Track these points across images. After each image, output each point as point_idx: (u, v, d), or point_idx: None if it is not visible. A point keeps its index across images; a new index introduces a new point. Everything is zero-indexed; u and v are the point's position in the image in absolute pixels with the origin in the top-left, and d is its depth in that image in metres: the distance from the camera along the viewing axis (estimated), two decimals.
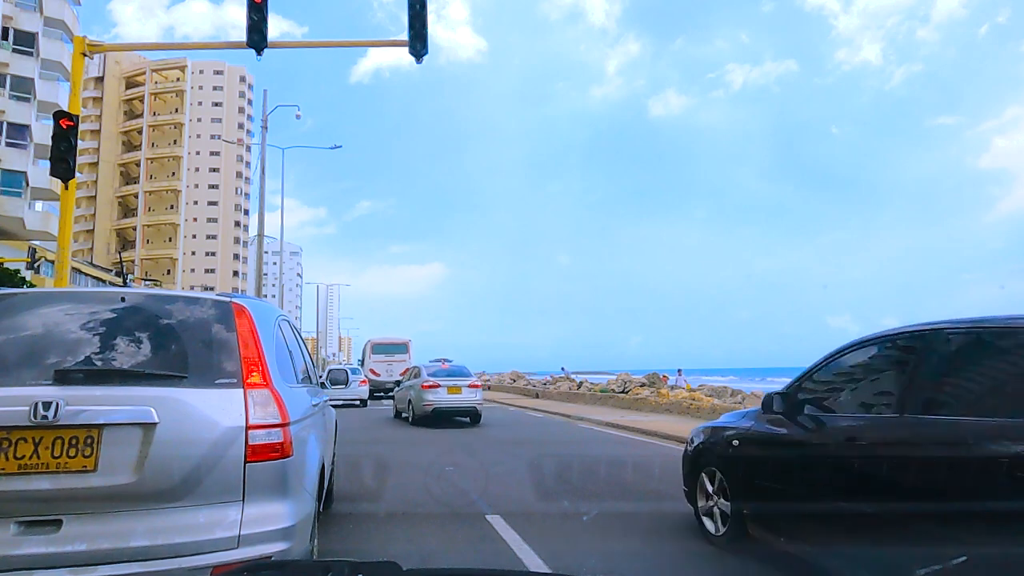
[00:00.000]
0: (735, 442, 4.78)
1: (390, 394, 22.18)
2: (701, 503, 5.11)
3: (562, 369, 38.08)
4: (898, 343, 3.84)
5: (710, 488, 5.01)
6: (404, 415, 16.26)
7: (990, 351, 3.30)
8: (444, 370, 16.02)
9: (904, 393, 3.51)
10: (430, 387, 14.81)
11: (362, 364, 28.13)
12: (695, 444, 5.38)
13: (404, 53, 10.59)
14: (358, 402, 21.74)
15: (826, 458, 3.88)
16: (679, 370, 31.98)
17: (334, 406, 5.89)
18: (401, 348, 27.89)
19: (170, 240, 78.52)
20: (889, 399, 3.72)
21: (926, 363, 3.47)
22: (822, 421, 4.04)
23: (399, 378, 21.45)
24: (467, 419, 15.30)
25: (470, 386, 15.16)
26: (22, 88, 33.13)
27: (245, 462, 2.66)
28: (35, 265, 30.99)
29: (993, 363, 3.31)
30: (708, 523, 4.96)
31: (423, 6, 10.59)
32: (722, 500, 4.81)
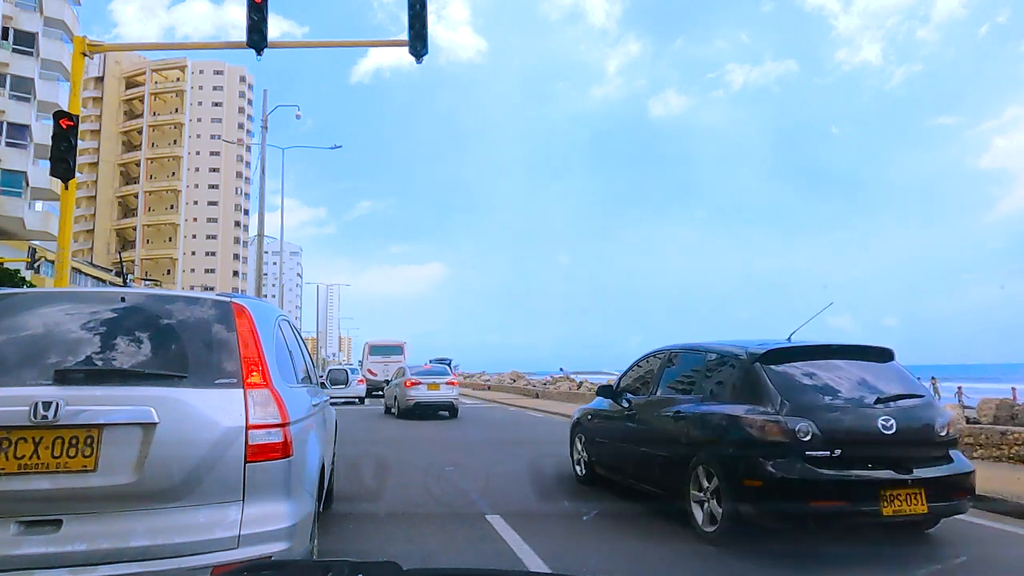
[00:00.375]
0: (589, 416, 7.47)
1: None
2: (574, 457, 7.64)
3: (560, 370, 38.09)
4: (656, 354, 6.55)
5: (578, 446, 7.52)
6: (392, 410, 17.78)
7: (673, 361, 6.25)
8: (425, 370, 17.92)
9: (655, 381, 6.25)
10: (412, 384, 16.59)
11: (361, 364, 29.63)
12: (573, 419, 7.93)
13: (404, 53, 10.61)
14: (356, 400, 23.58)
15: (627, 421, 6.42)
16: None
17: (333, 402, 6.00)
18: (396, 350, 29.41)
19: (170, 240, 78.53)
20: (651, 385, 6.32)
21: (665, 365, 6.28)
22: (628, 399, 6.56)
23: None
24: (446, 413, 16.97)
25: (447, 383, 16.88)
26: (22, 88, 33.13)
27: (245, 462, 2.66)
28: (35, 265, 31.00)
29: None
30: (577, 470, 7.53)
31: (423, 6, 10.59)
32: (584, 453, 7.35)
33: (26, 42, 33.28)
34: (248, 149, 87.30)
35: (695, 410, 5.37)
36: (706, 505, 4.89)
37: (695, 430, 5.26)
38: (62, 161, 9.88)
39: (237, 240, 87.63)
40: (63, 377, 2.60)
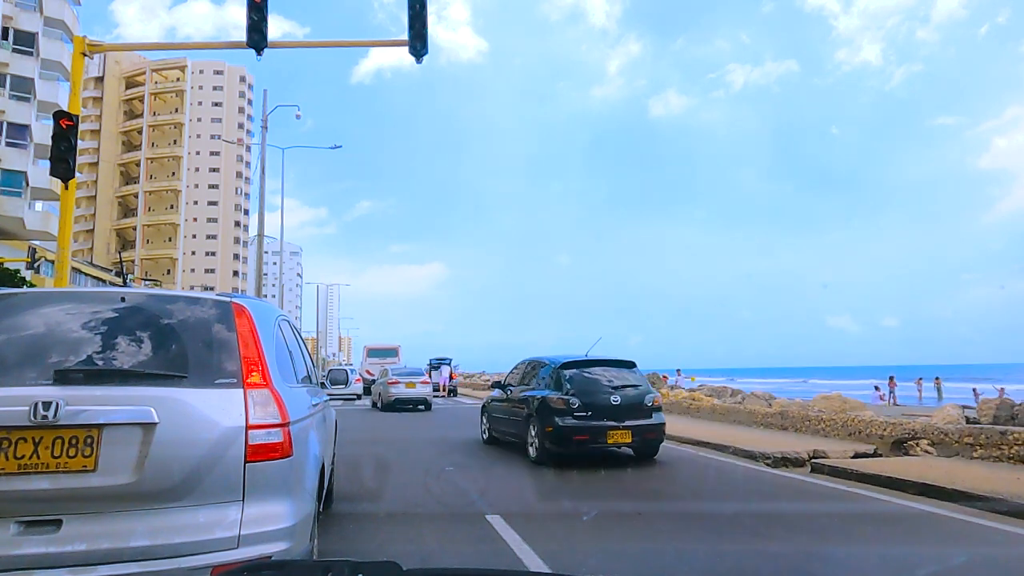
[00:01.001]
0: (489, 400, 11.35)
1: None
2: (481, 427, 11.47)
3: None
4: (521, 362, 10.63)
5: (483, 420, 11.38)
6: (377, 404, 20.94)
7: (527, 366, 10.42)
8: (404, 371, 21.20)
9: (518, 378, 10.41)
10: (393, 383, 19.70)
11: (361, 365, 32.87)
12: (482, 403, 11.76)
13: (405, 54, 10.61)
14: (354, 396, 26.71)
15: (505, 402, 10.37)
16: (678, 370, 31.98)
17: (332, 398, 6.20)
18: (392, 352, 32.56)
19: (170, 240, 78.49)
20: (517, 380, 10.43)
21: (524, 369, 10.43)
22: (509, 389, 10.34)
23: None
24: (422, 407, 19.90)
25: (422, 382, 20.02)
26: (22, 88, 33.10)
27: (245, 462, 2.66)
28: (35, 265, 31.00)
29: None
30: (483, 436, 11.27)
31: (423, 6, 10.59)
32: (486, 424, 11.21)
33: (26, 42, 33.26)
34: (248, 149, 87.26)
35: (531, 394, 9.38)
36: (533, 445, 8.98)
37: (531, 404, 9.21)
38: (62, 161, 9.87)
39: (237, 240, 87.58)
40: (63, 377, 2.60)
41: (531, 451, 8.98)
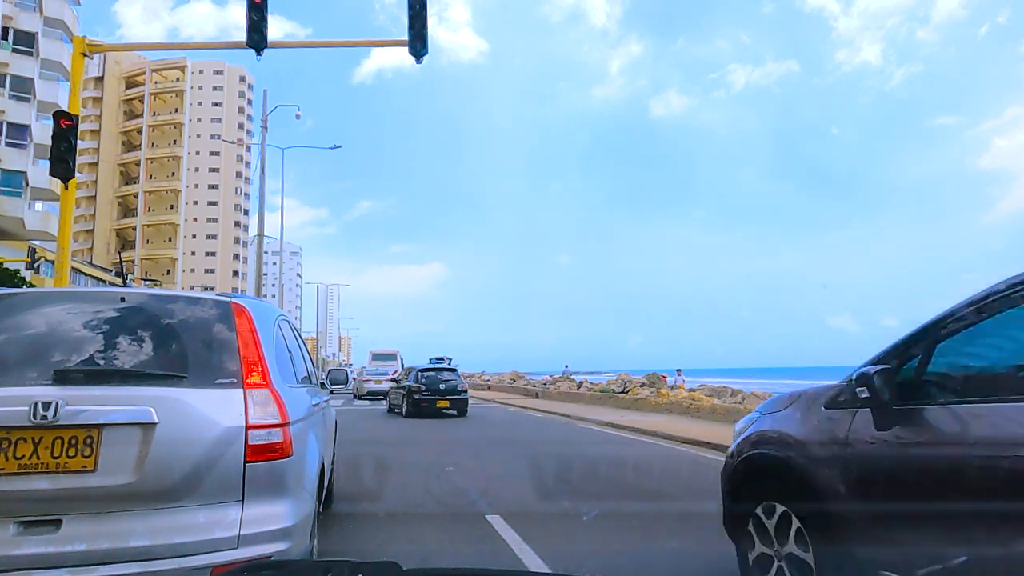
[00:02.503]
0: (390, 389, 21.87)
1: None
2: (386, 403, 21.66)
3: (566, 367, 38.41)
4: (407, 368, 21.20)
5: (387, 400, 21.83)
6: (358, 395, 28.25)
7: (407, 372, 20.25)
8: (374, 370, 30.60)
9: (406, 376, 19.99)
10: (366, 380, 28.27)
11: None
12: (386, 390, 23.24)
13: (406, 54, 10.61)
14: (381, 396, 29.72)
15: (396, 389, 20.30)
16: (678, 370, 31.98)
17: (333, 393, 6.28)
18: (391, 357, 37.34)
19: (170, 240, 78.49)
20: (405, 377, 20.02)
21: (410, 371, 19.77)
22: (398, 382, 20.77)
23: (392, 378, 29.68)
24: (381, 397, 25.38)
25: (386, 380, 26.07)
26: (22, 88, 33.11)
27: (245, 462, 2.65)
28: (35, 265, 30.99)
29: None
30: (386, 408, 20.88)
31: (423, 6, 10.59)
32: (388, 401, 21.13)
33: (26, 42, 33.26)
34: (248, 149, 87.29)
35: (406, 384, 18.44)
36: (404, 408, 18.03)
37: (405, 389, 18.26)
38: (62, 161, 9.87)
39: (237, 240, 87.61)
40: (63, 377, 2.60)
41: (403, 411, 18.17)
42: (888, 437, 2.63)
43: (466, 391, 18.66)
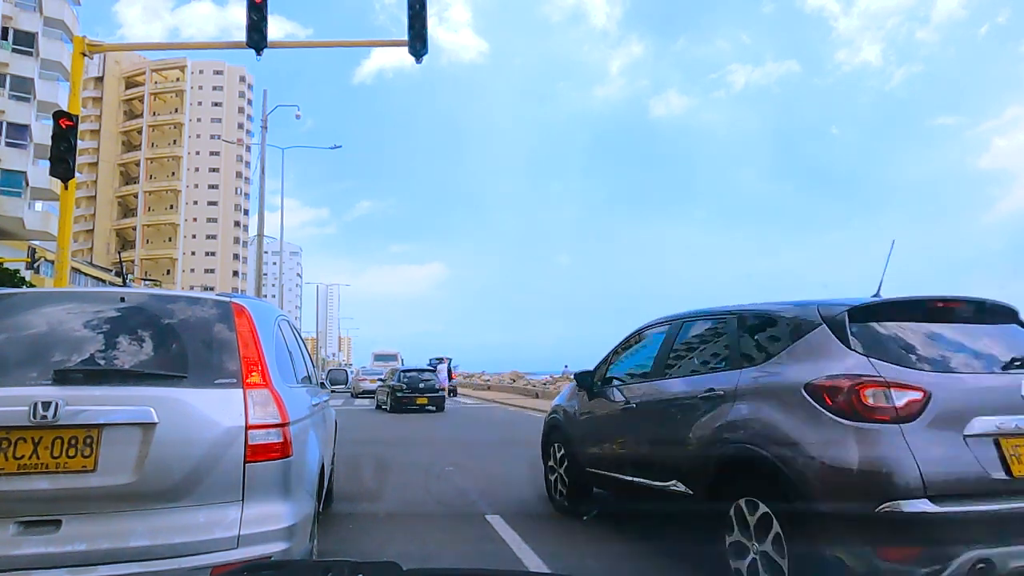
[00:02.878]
0: (378, 388, 23.98)
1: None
2: (375, 401, 23.67)
3: (565, 367, 38.52)
4: (391, 370, 25.01)
5: (375, 398, 23.93)
6: (354, 393, 29.55)
7: (392, 372, 23.40)
8: (373, 371, 32.65)
9: (386, 377, 23.70)
10: (362, 380, 29.77)
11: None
12: (375, 388, 25.06)
13: (406, 55, 10.62)
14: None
15: (382, 388, 22.78)
16: None
17: (335, 392, 6.62)
18: (392, 357, 39.60)
19: (170, 240, 78.51)
20: (386, 379, 23.15)
21: (391, 373, 23.04)
22: (384, 381, 23.53)
23: None
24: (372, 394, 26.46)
25: (376, 379, 26.89)
26: (22, 88, 33.11)
27: (245, 462, 2.65)
28: (35, 265, 31.00)
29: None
30: (375, 406, 22.72)
31: (422, 6, 10.60)
32: (376, 399, 23.48)
33: (26, 42, 33.26)
34: (248, 149, 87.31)
35: (391, 383, 21.02)
36: (388, 405, 20.75)
37: (390, 387, 20.94)
38: (62, 161, 9.87)
39: (237, 240, 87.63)
40: (62, 377, 2.60)
41: (387, 407, 20.62)
42: (594, 404, 5.65)
43: (443, 390, 21.69)
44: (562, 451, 5.98)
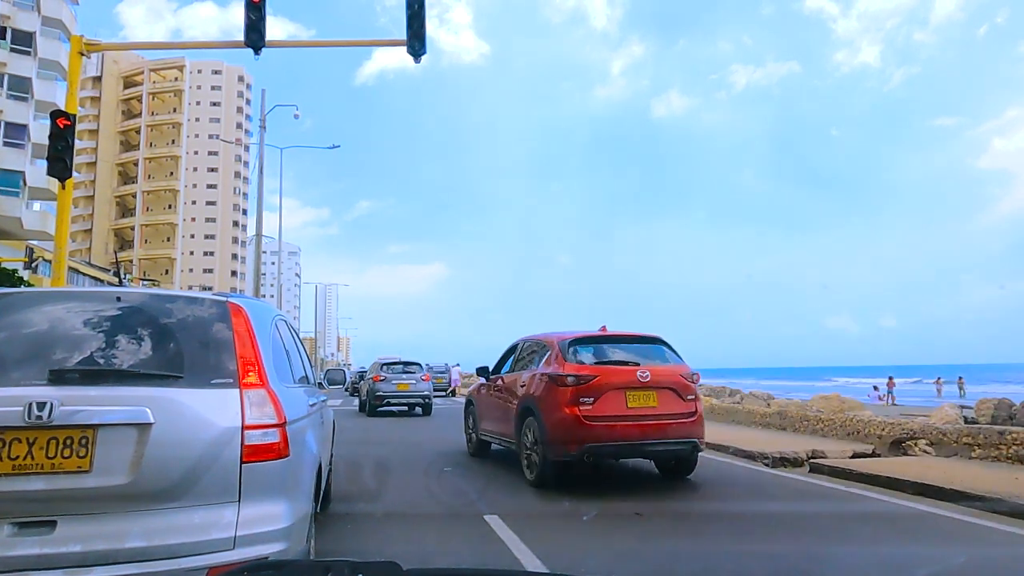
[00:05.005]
0: (361, 387, 22.30)
1: None
2: (358, 401, 22.47)
3: None
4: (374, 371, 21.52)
5: (356, 398, 24.04)
6: (347, 390, 29.29)
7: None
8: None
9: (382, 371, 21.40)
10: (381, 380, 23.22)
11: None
12: (359, 388, 23.19)
13: (408, 56, 10.59)
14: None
15: (364, 390, 20.89)
16: None
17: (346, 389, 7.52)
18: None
19: (168, 240, 78.36)
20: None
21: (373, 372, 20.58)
22: (369, 384, 19.65)
23: None
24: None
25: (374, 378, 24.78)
26: (20, 88, 33.03)
27: (241, 462, 2.64)
28: (33, 265, 30.89)
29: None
30: (357, 406, 21.50)
31: (421, 6, 10.57)
32: (358, 399, 22.40)
33: (24, 41, 33.18)
34: (246, 149, 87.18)
35: (368, 387, 19.40)
36: (368, 406, 18.93)
37: (367, 388, 19.56)
38: (59, 160, 9.84)
39: (235, 240, 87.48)
40: (58, 377, 2.58)
41: (367, 410, 19.03)
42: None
43: (428, 391, 19.56)
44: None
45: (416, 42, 10.55)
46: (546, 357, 7.28)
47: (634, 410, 6.58)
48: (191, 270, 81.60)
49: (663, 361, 7.16)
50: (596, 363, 6.90)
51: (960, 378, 36.04)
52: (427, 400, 18.95)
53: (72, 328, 2.80)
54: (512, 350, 8.65)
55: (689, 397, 6.91)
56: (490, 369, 9.01)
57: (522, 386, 7.50)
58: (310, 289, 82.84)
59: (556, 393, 6.66)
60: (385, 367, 19.24)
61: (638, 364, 6.89)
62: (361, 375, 23.94)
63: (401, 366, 19.37)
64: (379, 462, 8.93)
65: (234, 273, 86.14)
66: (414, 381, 18.79)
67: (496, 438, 8.45)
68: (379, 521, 5.50)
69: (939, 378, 37.50)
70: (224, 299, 3.08)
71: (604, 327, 7.69)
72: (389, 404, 18.81)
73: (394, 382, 18.60)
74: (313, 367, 5.17)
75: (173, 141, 79.09)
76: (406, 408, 19.43)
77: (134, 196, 78.17)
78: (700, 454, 7.41)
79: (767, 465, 8.75)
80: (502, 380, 8.37)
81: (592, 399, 6.54)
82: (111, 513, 2.48)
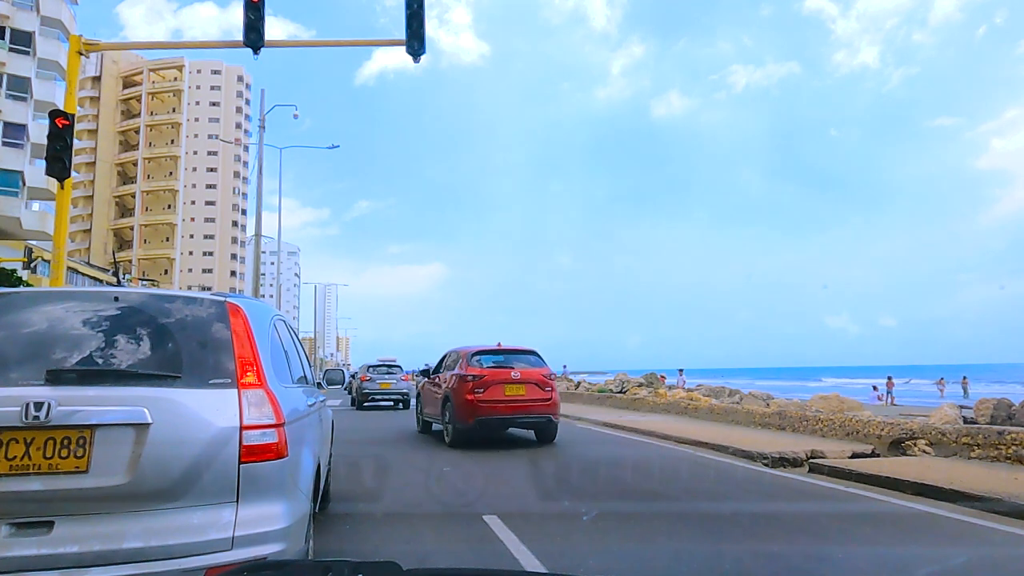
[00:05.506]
0: (352, 383, 25.70)
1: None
2: (351, 396, 25.11)
3: (564, 367, 38.55)
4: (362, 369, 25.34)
5: (349, 393, 27.02)
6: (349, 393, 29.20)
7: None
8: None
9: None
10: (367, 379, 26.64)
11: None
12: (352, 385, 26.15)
13: (408, 57, 10.58)
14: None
15: (353, 386, 24.54)
16: (680, 370, 32.01)
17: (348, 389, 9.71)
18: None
19: (167, 240, 78.33)
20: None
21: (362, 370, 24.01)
22: (358, 380, 22.90)
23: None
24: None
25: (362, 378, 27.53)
26: (19, 87, 32.99)
27: (239, 463, 2.63)
28: (32, 265, 30.86)
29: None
30: (351, 402, 23.55)
31: (420, 6, 10.57)
32: (349, 396, 26.55)
33: (22, 41, 33.15)
34: (246, 149, 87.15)
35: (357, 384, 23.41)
36: (357, 401, 21.99)
37: (356, 384, 22.56)
38: (58, 160, 9.83)
39: (235, 240, 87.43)
40: (55, 377, 2.57)
41: (355, 405, 21.30)
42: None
43: (407, 387, 22.18)
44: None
45: (415, 42, 10.55)
46: (459, 363, 10.55)
47: (509, 397, 9.95)
48: (190, 270, 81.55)
49: (532, 365, 10.49)
50: (487, 367, 10.23)
51: (964, 378, 35.98)
52: (406, 396, 21.69)
53: (70, 328, 2.79)
54: (444, 357, 11.79)
55: (547, 388, 10.19)
56: (430, 371, 12.34)
57: (445, 383, 10.66)
58: (309, 289, 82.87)
59: (461, 386, 9.94)
60: (371, 368, 22.24)
61: (512, 367, 10.29)
62: (353, 375, 26.65)
63: (385, 368, 22.28)
64: (370, 438, 8.95)
65: (233, 273, 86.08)
66: (395, 380, 21.79)
67: (433, 418, 11.39)
68: (378, 521, 5.49)
69: (941, 379, 37.47)
70: (223, 299, 3.07)
71: (500, 343, 11.01)
72: (374, 399, 21.83)
73: (378, 381, 21.60)
74: (312, 367, 5.16)
75: (172, 141, 79.03)
76: (391, 403, 22.16)
77: (133, 196, 78.12)
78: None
79: (767, 465, 8.74)
80: (437, 378, 11.42)
81: (482, 390, 9.91)
82: (109, 514, 2.47)
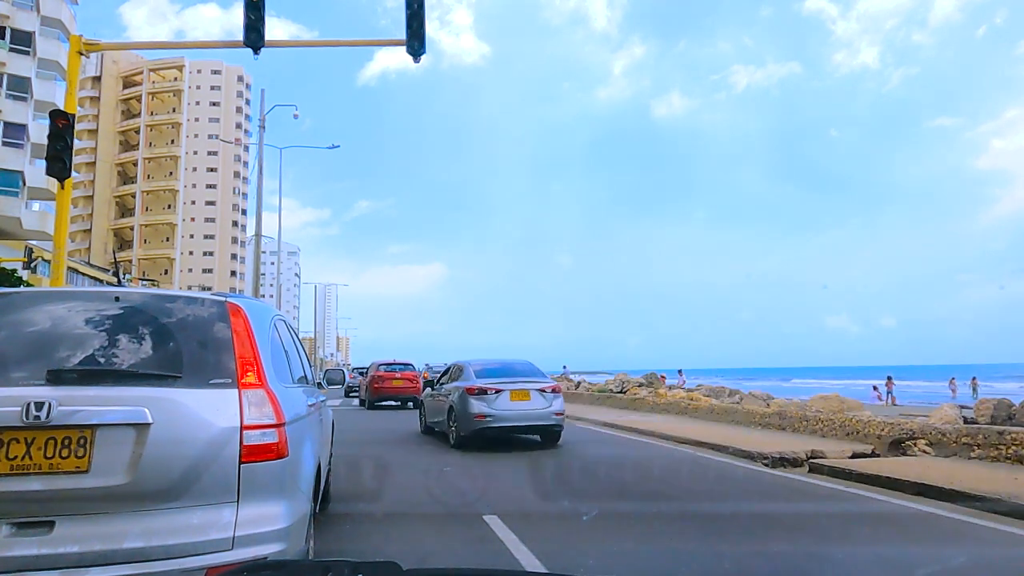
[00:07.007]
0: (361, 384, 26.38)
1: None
2: (360, 397, 24.68)
3: (564, 367, 38.58)
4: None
5: (359, 394, 25.51)
6: (347, 394, 29.72)
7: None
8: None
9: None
10: (352, 377, 29.63)
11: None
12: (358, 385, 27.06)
13: (408, 56, 10.59)
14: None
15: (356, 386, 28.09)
16: (679, 370, 32.03)
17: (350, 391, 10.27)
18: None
19: (167, 240, 78.34)
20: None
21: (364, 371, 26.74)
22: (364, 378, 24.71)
23: None
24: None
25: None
26: (19, 87, 32.99)
27: (240, 463, 2.63)
28: (32, 265, 30.87)
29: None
30: (360, 402, 24.04)
31: (420, 6, 10.57)
32: (358, 396, 26.48)
33: (23, 41, 33.15)
34: (246, 149, 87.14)
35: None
36: (366, 401, 22.24)
37: (366, 384, 23.41)
38: (58, 160, 9.83)
39: (235, 240, 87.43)
40: (56, 377, 2.57)
41: (365, 404, 22.08)
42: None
43: (417, 387, 23.03)
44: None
45: (415, 42, 10.55)
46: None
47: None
48: (190, 270, 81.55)
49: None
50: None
51: (974, 378, 35.92)
52: (415, 396, 22.16)
53: (71, 328, 2.79)
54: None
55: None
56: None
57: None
58: (309, 289, 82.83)
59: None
60: (383, 367, 22.68)
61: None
62: (362, 372, 27.38)
63: (400, 367, 22.77)
64: (375, 437, 8.94)
65: (233, 273, 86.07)
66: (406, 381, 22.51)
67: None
68: (378, 520, 5.49)
69: (952, 379, 37.41)
70: (223, 299, 3.07)
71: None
72: (384, 398, 22.32)
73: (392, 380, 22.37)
74: (312, 367, 5.16)
75: (172, 141, 79.04)
76: (399, 403, 22.34)
77: (133, 196, 78.13)
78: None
79: (767, 465, 8.74)
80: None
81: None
82: (109, 513, 2.47)
